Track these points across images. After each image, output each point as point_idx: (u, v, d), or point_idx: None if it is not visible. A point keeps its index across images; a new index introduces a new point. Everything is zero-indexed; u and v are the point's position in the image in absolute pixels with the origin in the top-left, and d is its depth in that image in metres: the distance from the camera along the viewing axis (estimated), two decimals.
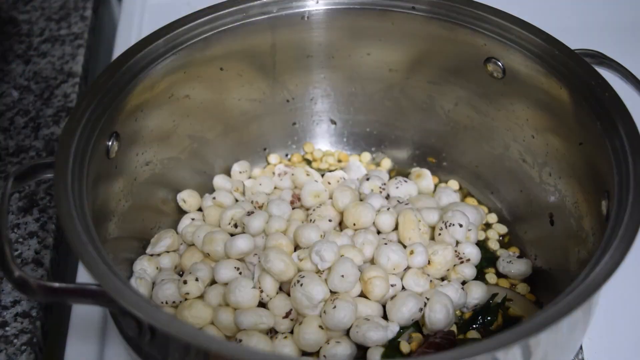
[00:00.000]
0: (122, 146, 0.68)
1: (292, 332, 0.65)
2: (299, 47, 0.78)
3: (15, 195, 0.81)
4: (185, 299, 0.67)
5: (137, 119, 0.70)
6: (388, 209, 0.72)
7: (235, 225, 0.72)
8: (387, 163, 0.84)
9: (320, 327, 0.64)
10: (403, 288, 0.68)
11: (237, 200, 0.77)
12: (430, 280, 0.69)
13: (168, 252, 0.73)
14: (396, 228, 0.72)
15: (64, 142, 0.61)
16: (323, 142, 0.85)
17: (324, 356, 0.63)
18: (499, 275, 0.73)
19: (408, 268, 0.69)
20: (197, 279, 0.67)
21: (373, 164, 0.84)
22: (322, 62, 0.80)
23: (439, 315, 0.65)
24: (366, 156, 0.84)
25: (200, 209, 0.78)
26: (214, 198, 0.77)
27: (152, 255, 0.72)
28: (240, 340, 0.62)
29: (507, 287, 0.72)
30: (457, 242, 0.72)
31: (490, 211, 0.79)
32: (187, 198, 0.77)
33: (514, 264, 0.72)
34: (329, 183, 0.77)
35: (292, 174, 0.79)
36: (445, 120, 0.80)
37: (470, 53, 0.74)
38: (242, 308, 0.65)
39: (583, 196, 0.67)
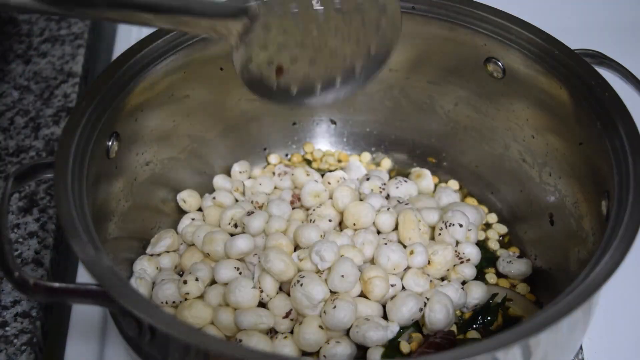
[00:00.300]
0: (122, 146, 0.68)
1: (292, 332, 0.65)
2: None
3: (15, 195, 0.81)
4: (185, 299, 0.67)
5: (137, 119, 0.70)
6: (388, 209, 0.72)
7: (235, 225, 0.72)
8: (387, 163, 0.84)
9: (320, 327, 0.64)
10: (403, 288, 0.68)
11: (237, 200, 0.77)
12: (430, 280, 0.69)
13: (168, 252, 0.73)
14: (396, 228, 0.72)
15: (64, 142, 0.61)
16: (323, 142, 0.85)
17: (324, 356, 0.63)
18: (499, 275, 0.73)
19: (408, 268, 0.69)
20: (197, 279, 0.67)
21: (373, 164, 0.84)
22: None
23: (439, 315, 0.65)
24: (366, 156, 0.84)
25: (200, 209, 0.78)
26: (214, 198, 0.77)
27: (152, 255, 0.72)
28: (240, 340, 0.62)
29: (507, 287, 0.72)
30: (457, 242, 0.72)
31: (490, 211, 0.79)
32: (187, 198, 0.77)
33: (514, 264, 0.72)
34: (329, 183, 0.77)
35: (292, 174, 0.79)
36: (445, 120, 0.80)
37: (470, 53, 0.74)
38: (242, 308, 0.65)
39: (583, 196, 0.67)
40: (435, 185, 0.80)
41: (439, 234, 0.71)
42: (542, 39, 0.69)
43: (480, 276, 0.72)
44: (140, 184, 0.73)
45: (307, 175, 0.78)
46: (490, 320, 0.69)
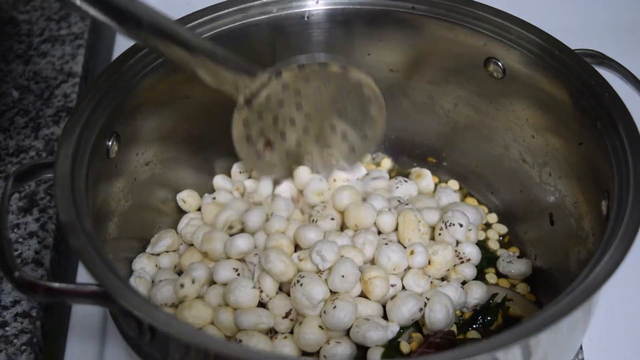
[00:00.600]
0: (122, 146, 0.68)
1: (292, 332, 0.65)
2: (299, 47, 0.78)
3: (15, 195, 0.81)
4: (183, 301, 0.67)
5: (137, 119, 0.70)
6: (389, 209, 0.72)
7: (230, 227, 0.72)
8: (387, 163, 0.84)
9: (320, 327, 0.64)
10: (403, 288, 0.68)
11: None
12: (431, 281, 0.69)
13: (168, 252, 0.73)
14: (396, 228, 0.72)
15: (64, 142, 0.61)
16: None
17: (324, 356, 0.63)
18: (499, 275, 0.73)
19: (408, 268, 0.69)
20: (193, 281, 0.67)
21: (373, 163, 0.84)
22: None
23: (439, 315, 0.65)
24: (366, 156, 0.84)
25: (199, 209, 0.78)
26: (214, 198, 0.77)
27: (152, 254, 0.72)
28: (240, 341, 0.62)
29: (507, 287, 0.72)
30: (457, 242, 0.72)
31: (490, 211, 0.79)
32: (187, 198, 0.77)
33: (514, 264, 0.72)
34: (335, 180, 0.77)
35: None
36: (445, 120, 0.80)
37: (470, 53, 0.74)
38: (242, 308, 0.65)
39: (583, 196, 0.67)
40: (435, 185, 0.80)
41: (439, 234, 0.71)
42: (542, 39, 0.69)
43: (480, 276, 0.72)
44: (140, 184, 0.73)
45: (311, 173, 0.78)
46: (490, 320, 0.69)
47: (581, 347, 0.68)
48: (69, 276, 0.80)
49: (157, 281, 0.69)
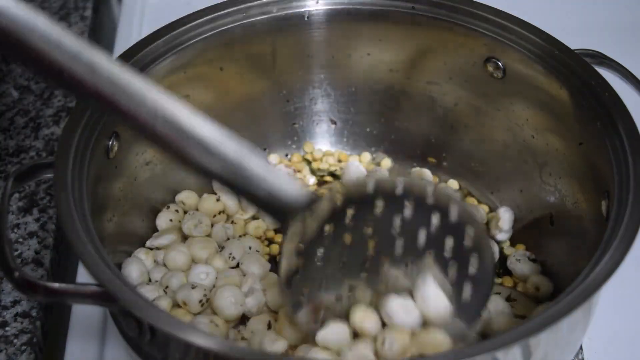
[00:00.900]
0: (122, 146, 0.68)
1: None
2: (299, 47, 0.78)
3: (15, 195, 0.81)
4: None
5: None
6: None
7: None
8: (387, 163, 0.84)
9: None
10: None
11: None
12: None
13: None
14: None
15: (64, 142, 0.61)
16: (323, 142, 0.85)
17: None
18: (503, 273, 0.73)
19: None
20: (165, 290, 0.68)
21: (373, 163, 0.84)
22: (322, 62, 0.80)
23: None
24: (366, 156, 0.84)
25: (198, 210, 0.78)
26: (217, 200, 0.76)
27: (150, 249, 0.72)
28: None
29: (511, 286, 0.72)
30: None
31: (490, 211, 0.79)
32: (186, 200, 0.77)
33: (521, 263, 0.72)
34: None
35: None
36: (445, 120, 0.80)
37: (470, 53, 0.74)
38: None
39: (583, 196, 0.67)
40: None
41: None
42: (542, 39, 0.69)
43: None
44: (140, 184, 0.73)
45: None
46: None
47: (581, 347, 0.68)
48: (69, 276, 0.80)
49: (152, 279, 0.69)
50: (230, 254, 0.71)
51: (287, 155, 0.84)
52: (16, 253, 0.76)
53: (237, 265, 0.71)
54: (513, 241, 0.76)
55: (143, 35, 0.71)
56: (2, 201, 0.57)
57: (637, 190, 0.57)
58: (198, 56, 0.73)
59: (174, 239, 0.72)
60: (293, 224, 0.56)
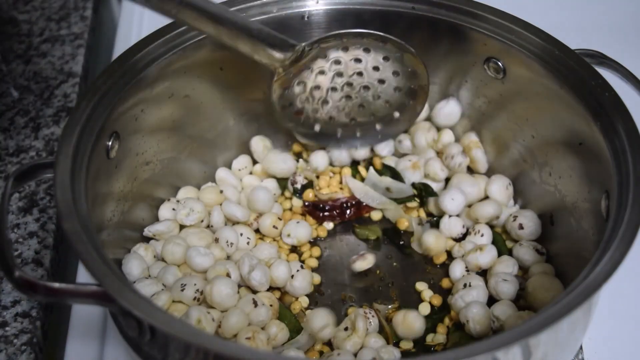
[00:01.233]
0: (122, 146, 0.68)
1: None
2: None
3: (15, 195, 0.81)
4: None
5: (137, 119, 0.70)
6: None
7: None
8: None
9: None
10: None
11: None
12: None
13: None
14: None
15: (64, 142, 0.61)
16: None
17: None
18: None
19: None
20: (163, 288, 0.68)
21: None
22: None
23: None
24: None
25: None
26: (221, 191, 0.76)
27: (149, 241, 0.73)
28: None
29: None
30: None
31: None
32: (186, 197, 0.77)
33: (524, 248, 0.72)
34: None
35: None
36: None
37: (470, 53, 0.74)
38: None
39: (583, 196, 0.67)
40: None
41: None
42: (542, 39, 0.69)
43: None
44: (140, 184, 0.72)
45: None
46: None
47: (581, 347, 0.68)
48: (69, 276, 0.80)
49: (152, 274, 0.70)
50: (227, 240, 0.72)
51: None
52: (16, 253, 0.76)
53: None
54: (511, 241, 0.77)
55: (143, 35, 0.71)
56: (2, 201, 0.57)
57: (637, 190, 0.57)
58: (198, 56, 0.73)
59: (170, 225, 0.72)
60: (282, 66, 0.70)
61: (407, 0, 0.74)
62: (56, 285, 0.54)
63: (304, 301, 0.71)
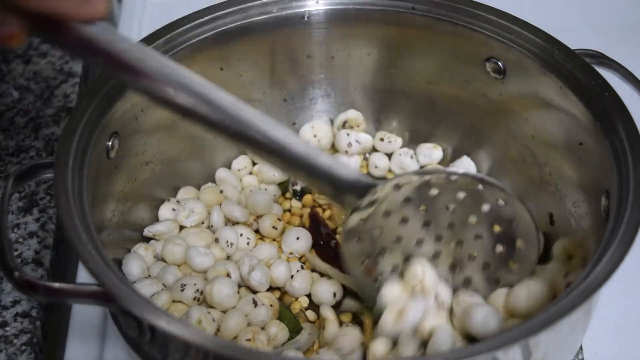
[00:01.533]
0: (122, 146, 0.68)
1: None
2: (299, 47, 0.78)
3: (15, 195, 0.81)
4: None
5: (137, 119, 0.70)
6: None
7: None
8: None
9: None
10: None
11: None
12: None
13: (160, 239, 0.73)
14: None
15: (64, 142, 0.61)
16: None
17: None
18: None
19: None
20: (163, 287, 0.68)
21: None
22: (322, 62, 0.80)
23: None
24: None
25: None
26: (221, 191, 0.76)
27: (149, 241, 0.73)
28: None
29: None
30: None
31: None
32: (186, 197, 0.77)
33: None
34: None
35: None
36: (445, 121, 0.80)
37: (470, 53, 0.74)
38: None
39: (583, 196, 0.67)
40: None
41: None
42: (542, 39, 0.69)
43: None
44: (140, 184, 0.73)
45: None
46: None
47: (581, 347, 0.68)
48: (69, 276, 0.80)
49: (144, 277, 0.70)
50: (227, 241, 0.71)
51: None
52: (16, 253, 0.76)
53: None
54: None
55: (143, 35, 0.71)
56: (2, 201, 0.58)
57: (637, 190, 0.57)
58: (198, 56, 0.72)
59: (170, 225, 0.72)
60: (354, 204, 0.60)
61: (407, 0, 0.74)
62: (56, 285, 0.54)
63: (304, 301, 0.71)
